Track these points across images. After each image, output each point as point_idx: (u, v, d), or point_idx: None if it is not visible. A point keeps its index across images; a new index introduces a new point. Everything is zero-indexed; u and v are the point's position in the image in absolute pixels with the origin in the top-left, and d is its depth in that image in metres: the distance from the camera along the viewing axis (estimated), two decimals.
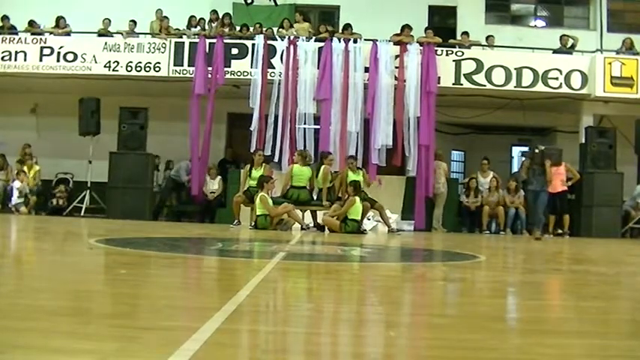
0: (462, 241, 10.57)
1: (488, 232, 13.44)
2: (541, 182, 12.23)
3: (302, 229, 11.34)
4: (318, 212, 12.04)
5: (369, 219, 12.15)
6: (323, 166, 12.13)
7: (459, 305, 3.59)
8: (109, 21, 14.61)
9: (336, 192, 12.01)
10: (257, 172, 11.89)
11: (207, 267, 5.37)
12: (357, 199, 11.15)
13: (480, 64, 13.84)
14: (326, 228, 11.42)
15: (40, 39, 14.19)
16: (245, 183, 12.04)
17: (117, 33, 14.39)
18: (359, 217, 11.20)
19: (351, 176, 11.79)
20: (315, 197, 12.15)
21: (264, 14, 15.54)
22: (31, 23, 14.56)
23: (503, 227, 13.65)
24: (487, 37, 14.75)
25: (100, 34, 14.38)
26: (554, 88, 13.84)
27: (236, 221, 11.83)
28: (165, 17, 14.53)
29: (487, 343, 2.41)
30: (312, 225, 11.82)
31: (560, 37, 14.69)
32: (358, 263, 6.22)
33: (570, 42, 14.51)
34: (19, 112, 15.47)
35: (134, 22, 14.48)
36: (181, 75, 13.91)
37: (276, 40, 14.11)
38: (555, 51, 14.48)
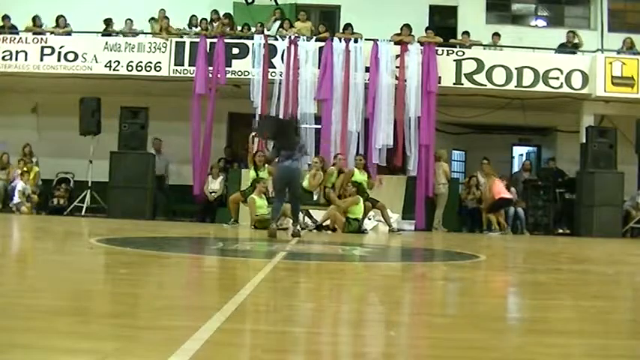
0: (462, 240, 10.57)
1: (488, 231, 13.44)
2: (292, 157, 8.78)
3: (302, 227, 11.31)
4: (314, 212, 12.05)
5: (369, 219, 12.16)
6: (331, 167, 12.13)
7: (459, 305, 3.59)
8: (111, 20, 14.65)
9: (337, 190, 11.99)
10: (262, 174, 11.93)
11: (208, 266, 5.37)
12: (361, 199, 11.24)
13: (480, 63, 13.83)
14: (324, 225, 11.46)
15: (41, 38, 14.19)
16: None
17: (121, 32, 14.41)
18: (361, 217, 11.26)
19: (357, 176, 11.81)
20: (315, 197, 12.16)
21: (264, 14, 15.52)
22: (35, 19, 14.55)
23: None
24: (493, 35, 14.75)
25: (104, 34, 14.39)
26: (554, 88, 13.83)
27: (232, 220, 11.82)
28: (166, 17, 14.53)
29: (487, 343, 2.41)
30: (310, 224, 11.81)
31: (568, 32, 14.68)
32: (359, 263, 6.22)
33: (576, 39, 14.50)
34: (19, 111, 15.47)
35: (130, 20, 14.56)
36: (182, 75, 13.91)
37: (277, 39, 14.12)
38: (560, 45, 14.48)
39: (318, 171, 12.06)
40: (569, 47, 14.47)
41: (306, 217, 12.05)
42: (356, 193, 11.32)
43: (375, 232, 11.94)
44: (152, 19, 14.66)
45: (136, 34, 14.40)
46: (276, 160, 8.88)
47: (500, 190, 13.37)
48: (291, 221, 10.12)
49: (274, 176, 9.34)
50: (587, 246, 10.66)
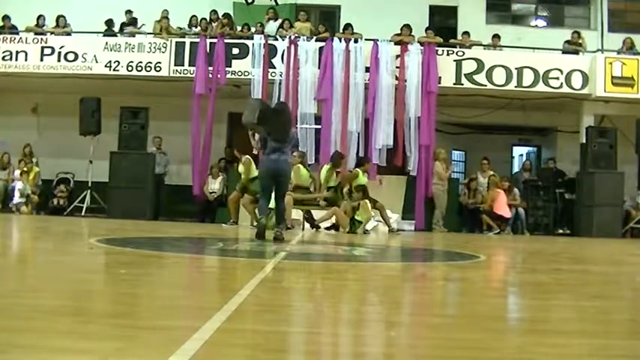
0: (462, 240, 10.57)
1: (488, 232, 13.44)
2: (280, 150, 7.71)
3: (287, 228, 11.28)
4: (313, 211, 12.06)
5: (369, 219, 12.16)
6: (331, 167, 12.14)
7: (459, 305, 3.59)
8: (112, 21, 14.68)
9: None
10: (241, 169, 11.94)
11: (208, 266, 5.37)
12: (369, 203, 11.27)
13: (480, 63, 13.83)
14: (321, 225, 11.48)
15: (41, 39, 14.19)
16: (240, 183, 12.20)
17: (124, 32, 14.44)
18: (365, 220, 11.29)
19: (362, 179, 11.86)
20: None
21: (264, 14, 15.50)
22: (39, 19, 14.53)
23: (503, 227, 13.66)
24: (493, 36, 14.76)
25: (105, 34, 14.40)
26: (554, 88, 13.83)
27: (231, 220, 11.79)
28: (166, 17, 14.53)
29: (487, 343, 2.41)
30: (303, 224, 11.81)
31: (572, 32, 14.68)
32: (359, 263, 6.22)
33: (580, 40, 14.49)
34: (19, 111, 15.46)
35: (135, 18, 14.65)
36: (182, 75, 13.91)
37: (277, 39, 14.12)
38: (565, 43, 14.44)
39: (296, 165, 12.10)
40: (574, 45, 14.41)
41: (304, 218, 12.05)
42: (362, 196, 11.33)
43: (375, 233, 11.94)
44: (117, 23, 14.73)
45: (136, 28, 14.44)
46: (263, 152, 7.77)
47: (500, 206, 13.39)
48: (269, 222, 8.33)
49: (260, 171, 8.14)
50: (587, 246, 10.66)
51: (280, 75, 13.81)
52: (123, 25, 14.73)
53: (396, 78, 13.74)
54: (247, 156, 11.70)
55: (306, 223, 11.92)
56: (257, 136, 8.58)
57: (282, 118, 7.80)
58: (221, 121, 15.15)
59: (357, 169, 12.16)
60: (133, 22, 14.77)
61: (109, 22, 14.69)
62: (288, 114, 8.18)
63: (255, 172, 11.64)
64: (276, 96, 13.70)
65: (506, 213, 13.44)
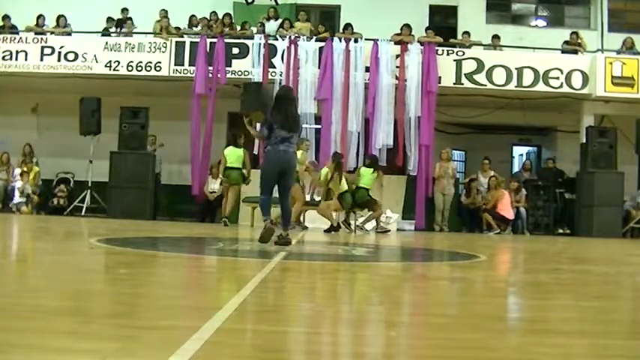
0: (463, 240, 10.57)
1: (488, 231, 13.44)
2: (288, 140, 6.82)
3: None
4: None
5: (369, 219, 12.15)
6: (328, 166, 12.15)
7: (459, 305, 3.59)
8: (113, 19, 14.69)
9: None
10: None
11: (208, 266, 5.37)
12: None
13: (480, 63, 13.84)
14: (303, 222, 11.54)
15: (41, 38, 14.20)
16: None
17: (123, 32, 14.44)
18: (345, 189, 11.47)
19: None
20: (317, 198, 12.16)
21: (264, 14, 15.51)
22: (39, 19, 14.52)
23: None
24: (493, 37, 14.76)
25: (104, 34, 14.41)
26: (554, 88, 13.84)
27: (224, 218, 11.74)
28: (166, 17, 14.52)
29: (487, 343, 2.41)
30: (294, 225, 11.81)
31: (571, 33, 14.68)
32: (359, 263, 6.22)
33: (579, 40, 14.49)
34: (19, 111, 15.46)
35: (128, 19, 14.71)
36: (182, 74, 13.92)
37: (277, 39, 14.13)
38: (564, 43, 14.44)
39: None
40: (574, 44, 14.40)
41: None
42: (335, 168, 11.50)
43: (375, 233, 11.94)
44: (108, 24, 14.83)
45: (133, 29, 14.47)
46: (266, 142, 6.91)
47: (504, 207, 13.37)
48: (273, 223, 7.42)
49: (264, 164, 7.14)
50: (587, 246, 10.66)
51: (280, 75, 13.82)
52: (117, 20, 14.72)
53: (396, 78, 13.76)
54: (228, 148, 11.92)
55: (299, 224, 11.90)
56: (258, 126, 7.59)
57: (287, 104, 6.95)
58: (221, 121, 15.13)
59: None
60: (127, 21, 14.77)
61: (110, 20, 14.68)
62: (292, 99, 7.34)
63: (229, 161, 11.68)
64: None
65: (510, 214, 13.42)
